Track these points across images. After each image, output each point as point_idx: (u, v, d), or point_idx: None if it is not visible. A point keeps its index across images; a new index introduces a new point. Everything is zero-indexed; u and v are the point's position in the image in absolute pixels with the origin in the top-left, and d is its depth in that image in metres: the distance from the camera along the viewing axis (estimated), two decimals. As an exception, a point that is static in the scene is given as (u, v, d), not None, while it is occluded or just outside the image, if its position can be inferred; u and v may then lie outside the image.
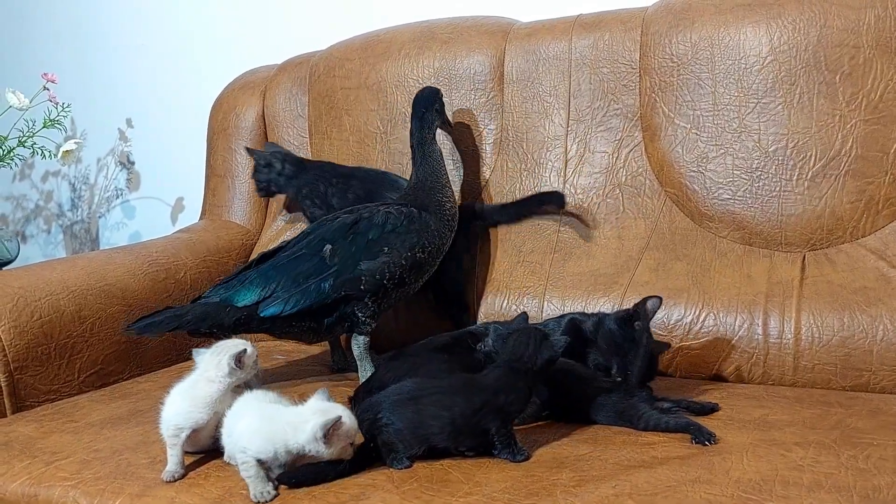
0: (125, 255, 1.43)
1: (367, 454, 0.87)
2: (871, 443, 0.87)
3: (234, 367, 0.92)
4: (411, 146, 1.30)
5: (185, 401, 0.89)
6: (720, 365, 1.17)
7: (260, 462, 0.82)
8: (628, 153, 1.33)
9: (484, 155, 1.44)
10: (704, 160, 1.26)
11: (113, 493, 0.86)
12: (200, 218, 1.73)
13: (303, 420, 0.83)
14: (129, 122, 2.17)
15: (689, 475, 0.80)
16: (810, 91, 1.19)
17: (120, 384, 1.28)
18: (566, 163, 1.37)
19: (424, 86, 1.34)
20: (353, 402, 1.02)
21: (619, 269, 1.27)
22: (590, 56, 1.35)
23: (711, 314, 1.18)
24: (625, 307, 1.11)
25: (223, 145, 1.70)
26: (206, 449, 0.92)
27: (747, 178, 1.23)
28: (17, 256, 2.02)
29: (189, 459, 0.91)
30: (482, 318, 1.34)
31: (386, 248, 1.15)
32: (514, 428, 0.90)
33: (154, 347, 1.38)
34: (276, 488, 0.82)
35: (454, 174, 1.45)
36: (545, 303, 1.29)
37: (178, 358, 1.40)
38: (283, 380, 1.24)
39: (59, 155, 1.88)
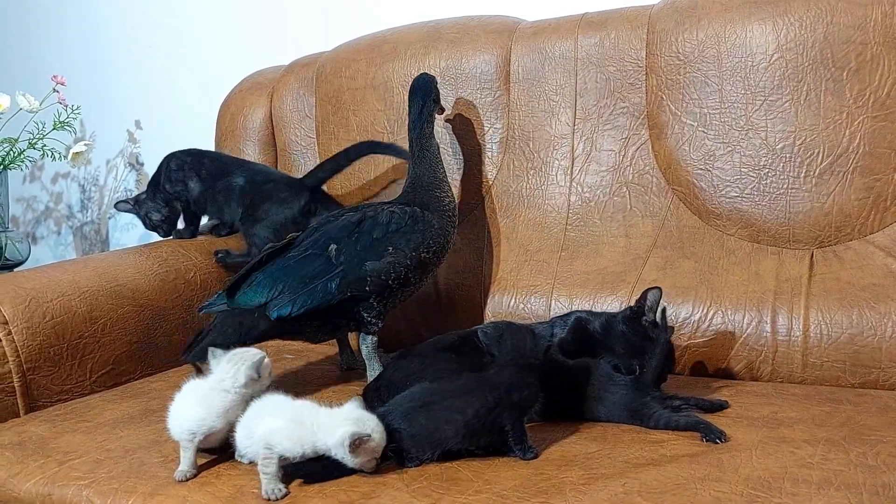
0: (135, 256, 1.44)
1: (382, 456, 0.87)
2: (881, 440, 0.87)
3: (254, 377, 0.93)
4: (409, 139, 1.29)
5: (200, 408, 0.89)
6: (729, 363, 1.17)
7: (282, 459, 0.83)
8: (635, 151, 1.33)
9: (490, 154, 1.44)
10: (711, 158, 1.26)
11: (126, 493, 0.86)
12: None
13: (334, 424, 0.84)
14: (137, 124, 2.18)
15: (698, 473, 0.80)
16: (817, 88, 1.19)
17: (131, 384, 1.29)
18: (573, 161, 1.37)
19: (420, 73, 1.33)
20: (363, 402, 1.02)
21: (627, 268, 1.27)
22: (596, 55, 1.36)
23: (720, 312, 1.18)
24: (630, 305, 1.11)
25: (231, 146, 1.70)
26: (215, 447, 0.93)
27: (755, 175, 1.23)
28: (28, 258, 2.03)
29: (201, 459, 0.91)
30: (489, 317, 1.35)
31: (391, 248, 1.15)
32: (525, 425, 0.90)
33: (165, 348, 1.39)
34: (286, 486, 0.83)
35: (460, 173, 1.45)
36: (553, 301, 1.30)
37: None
38: (293, 379, 1.24)
39: (69, 157, 1.89)
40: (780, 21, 1.21)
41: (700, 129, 1.27)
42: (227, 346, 1.09)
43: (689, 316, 1.19)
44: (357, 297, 1.14)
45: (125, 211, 1.62)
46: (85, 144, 1.90)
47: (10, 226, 2.04)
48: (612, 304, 1.23)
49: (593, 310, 1.22)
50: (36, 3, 2.33)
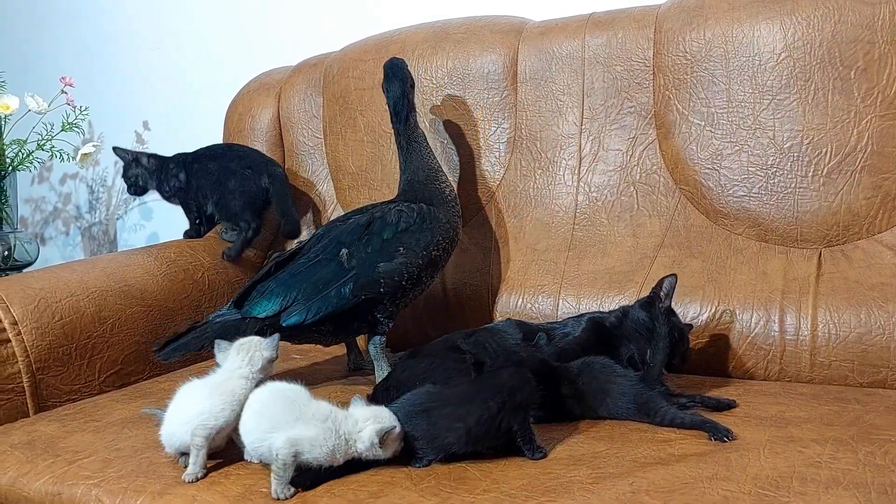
0: (143, 257, 1.45)
1: None
2: (889, 439, 0.86)
3: (273, 357, 0.94)
4: (395, 131, 1.27)
5: (215, 399, 0.88)
6: (736, 362, 1.17)
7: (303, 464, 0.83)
8: (642, 151, 1.33)
9: (497, 153, 1.44)
10: (719, 157, 1.26)
11: (135, 492, 0.87)
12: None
13: (357, 430, 0.84)
14: (145, 125, 2.19)
15: (706, 472, 0.80)
16: (825, 87, 1.19)
17: (140, 384, 1.29)
18: (580, 161, 1.37)
19: (391, 57, 1.31)
20: (372, 402, 1.03)
21: (634, 267, 1.27)
22: (603, 54, 1.36)
23: (728, 311, 1.18)
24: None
25: (239, 147, 1.71)
26: (220, 449, 0.92)
27: (762, 174, 1.23)
28: (37, 258, 2.04)
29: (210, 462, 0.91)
30: (497, 316, 1.35)
31: (401, 249, 1.15)
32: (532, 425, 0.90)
33: (173, 347, 1.39)
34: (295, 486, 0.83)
35: (467, 173, 1.45)
36: (560, 301, 1.30)
37: (196, 358, 1.42)
38: (302, 380, 1.24)
39: (78, 158, 1.90)
40: (787, 20, 1.21)
41: (707, 128, 1.27)
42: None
43: (696, 315, 1.19)
44: (371, 300, 1.14)
45: (121, 157, 1.65)
46: (93, 145, 1.91)
47: (18, 227, 2.05)
48: (620, 303, 1.23)
49: (601, 310, 1.23)
50: (45, 6, 2.34)
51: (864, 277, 1.13)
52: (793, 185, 1.21)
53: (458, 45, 1.47)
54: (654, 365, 1.00)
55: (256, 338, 0.96)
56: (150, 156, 1.62)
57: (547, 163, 1.40)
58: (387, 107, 1.29)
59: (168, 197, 1.63)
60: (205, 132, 2.00)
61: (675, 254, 1.26)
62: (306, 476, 0.84)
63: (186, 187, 1.59)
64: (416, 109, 1.29)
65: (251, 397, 0.89)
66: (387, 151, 1.52)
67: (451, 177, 1.46)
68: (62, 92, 1.92)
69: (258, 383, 0.92)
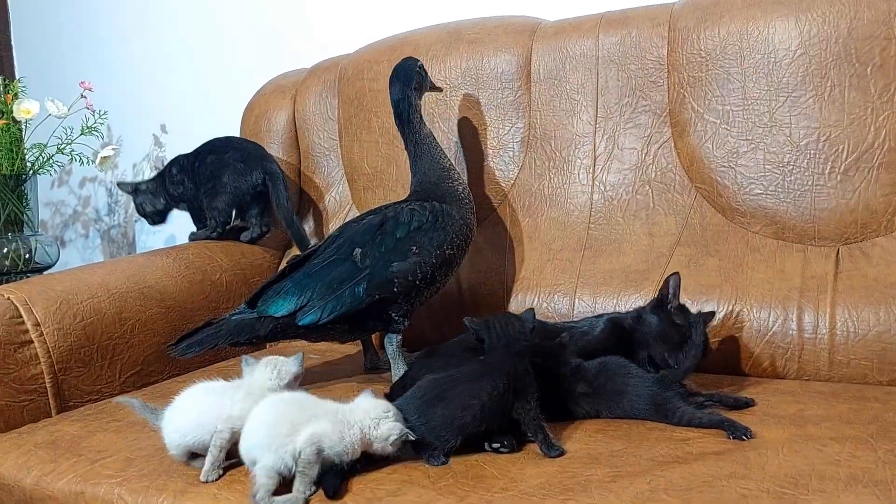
0: (162, 258, 1.46)
1: None
2: (909, 437, 0.86)
3: (299, 373, 0.97)
4: (401, 134, 1.28)
5: (246, 404, 0.89)
6: (754, 361, 1.17)
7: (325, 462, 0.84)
8: (657, 149, 1.33)
9: (512, 153, 1.44)
10: (735, 155, 1.26)
11: (157, 490, 0.88)
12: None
13: (374, 418, 0.86)
14: (163, 128, 2.21)
15: (724, 470, 0.80)
16: (841, 84, 1.18)
17: (160, 384, 1.31)
18: (595, 160, 1.37)
19: (402, 58, 1.31)
20: (389, 401, 1.04)
21: (651, 266, 1.27)
22: (617, 53, 1.36)
23: (745, 310, 1.17)
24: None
25: (255, 149, 1.72)
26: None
27: (779, 172, 1.22)
28: (57, 261, 2.07)
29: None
30: (513, 316, 1.35)
31: (415, 248, 1.16)
32: (545, 423, 0.91)
33: (192, 348, 1.41)
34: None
35: (481, 173, 1.46)
36: (576, 300, 1.30)
37: (215, 358, 1.43)
38: (318, 379, 1.25)
39: (97, 161, 1.92)
40: (802, 17, 1.20)
41: (723, 126, 1.27)
42: (236, 344, 1.12)
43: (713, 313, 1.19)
44: (385, 299, 1.15)
45: (125, 192, 1.71)
46: (112, 148, 1.93)
47: (39, 230, 2.07)
48: (636, 302, 1.23)
49: (618, 309, 1.23)
50: (65, 13, 2.37)
51: (882, 275, 1.13)
52: (810, 183, 1.20)
53: (471, 46, 1.47)
54: (680, 369, 1.00)
55: (282, 357, 0.99)
56: (148, 180, 1.68)
57: (561, 162, 1.40)
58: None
59: (178, 202, 1.66)
60: (221, 135, 2.02)
61: (691, 252, 1.26)
62: (329, 481, 0.84)
63: (195, 189, 1.61)
64: (421, 109, 1.29)
65: (261, 411, 0.87)
66: (401, 152, 1.52)
67: (465, 177, 1.46)
68: (81, 96, 1.94)
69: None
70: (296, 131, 1.70)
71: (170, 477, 0.90)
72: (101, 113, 1.99)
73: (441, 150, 1.27)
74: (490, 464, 0.87)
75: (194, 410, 0.92)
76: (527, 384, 0.92)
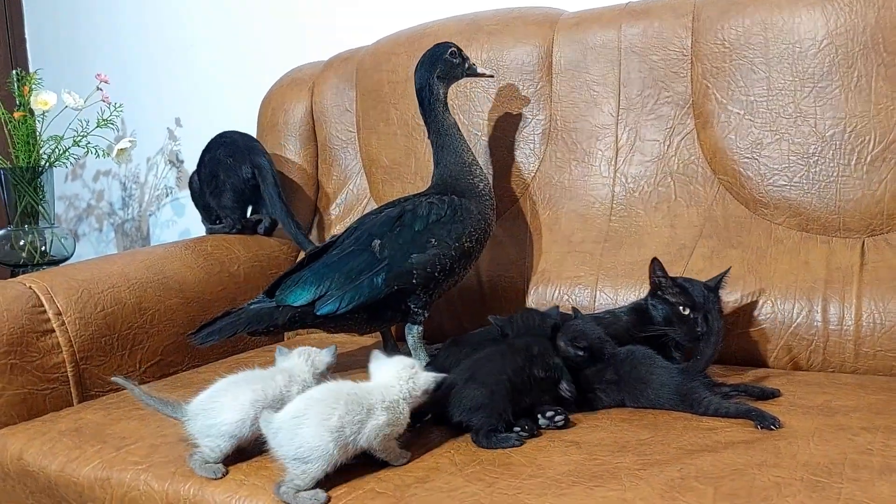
0: (181, 249, 1.46)
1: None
2: (942, 427, 0.85)
3: (332, 363, 1.00)
4: (424, 121, 1.26)
5: (290, 388, 0.93)
6: (778, 352, 1.16)
7: None
8: (680, 141, 1.32)
9: (532, 145, 1.44)
10: (759, 146, 1.25)
11: (183, 476, 0.88)
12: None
13: (407, 377, 0.88)
14: (177, 122, 2.21)
15: (755, 459, 0.79)
16: (868, 74, 1.17)
17: (180, 374, 1.31)
18: (616, 152, 1.37)
19: (435, 44, 1.28)
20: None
21: (673, 258, 1.26)
22: (639, 44, 1.35)
23: (769, 301, 1.17)
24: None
25: (272, 141, 1.72)
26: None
27: (804, 163, 1.21)
28: (73, 254, 2.07)
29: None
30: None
31: (434, 241, 1.15)
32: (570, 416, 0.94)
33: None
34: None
35: (502, 165, 1.45)
36: (597, 292, 1.29)
37: (234, 349, 1.43)
38: (337, 370, 1.25)
39: (114, 153, 1.92)
40: (829, 6, 1.19)
41: (747, 117, 1.26)
42: (255, 332, 1.12)
43: (736, 305, 1.18)
44: (403, 290, 1.15)
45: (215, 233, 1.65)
46: (129, 141, 1.94)
47: (54, 222, 2.08)
48: (659, 293, 1.22)
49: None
50: (82, 5, 2.37)
51: (909, 266, 1.12)
52: (835, 174, 1.19)
53: (491, 37, 1.47)
54: (702, 359, 0.99)
55: (315, 348, 1.01)
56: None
57: (583, 154, 1.39)
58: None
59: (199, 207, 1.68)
60: (238, 128, 2.01)
61: (713, 244, 1.25)
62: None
63: (200, 189, 1.62)
64: (445, 98, 1.26)
65: (318, 411, 0.81)
66: (420, 144, 1.52)
67: (486, 169, 1.45)
68: (97, 89, 1.94)
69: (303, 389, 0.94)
70: (313, 124, 1.70)
71: (195, 463, 0.90)
72: (117, 106, 1.99)
73: (464, 142, 1.25)
74: (516, 451, 0.86)
75: (246, 400, 0.89)
76: (543, 349, 0.97)
